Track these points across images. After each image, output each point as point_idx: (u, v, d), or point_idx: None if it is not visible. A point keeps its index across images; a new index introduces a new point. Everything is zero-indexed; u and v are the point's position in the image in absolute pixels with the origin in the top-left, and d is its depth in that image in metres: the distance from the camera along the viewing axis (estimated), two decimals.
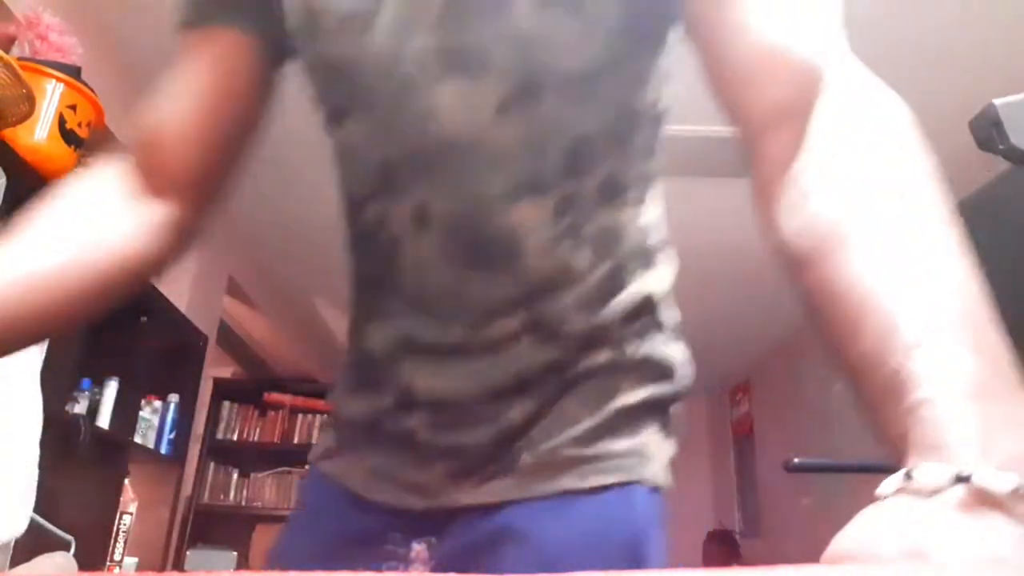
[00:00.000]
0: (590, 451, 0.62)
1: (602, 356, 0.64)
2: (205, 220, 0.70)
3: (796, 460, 1.70)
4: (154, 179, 0.66)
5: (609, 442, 0.63)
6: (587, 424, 0.63)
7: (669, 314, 0.70)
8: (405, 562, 0.83)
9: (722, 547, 4.96)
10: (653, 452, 0.64)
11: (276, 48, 0.70)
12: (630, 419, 0.64)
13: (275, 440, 4.56)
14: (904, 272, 0.39)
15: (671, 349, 0.68)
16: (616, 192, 0.64)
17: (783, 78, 0.51)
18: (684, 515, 5.58)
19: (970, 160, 1.22)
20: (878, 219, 0.42)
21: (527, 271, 0.62)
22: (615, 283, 0.65)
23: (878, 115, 0.48)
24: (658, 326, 0.68)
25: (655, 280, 0.68)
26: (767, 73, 0.52)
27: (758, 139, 0.53)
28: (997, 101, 0.98)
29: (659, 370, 0.66)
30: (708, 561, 4.90)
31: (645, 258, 0.68)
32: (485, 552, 0.63)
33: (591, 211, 0.63)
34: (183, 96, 0.68)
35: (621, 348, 0.65)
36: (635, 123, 0.64)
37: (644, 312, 0.66)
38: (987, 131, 0.99)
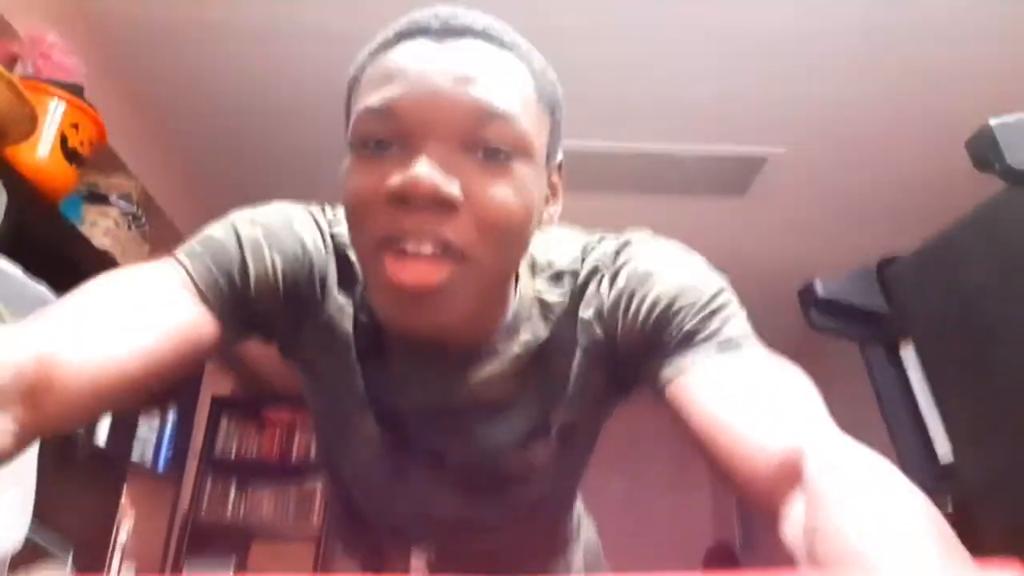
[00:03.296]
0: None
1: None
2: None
3: None
4: (35, 390, 0.50)
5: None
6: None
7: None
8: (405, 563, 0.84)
9: (722, 562, 4.93)
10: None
11: (237, 340, 0.70)
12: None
13: (273, 456, 4.54)
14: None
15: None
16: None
17: (766, 466, 0.52)
18: (683, 529, 5.54)
19: (966, 180, 1.23)
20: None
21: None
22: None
23: (869, 471, 0.47)
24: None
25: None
26: (750, 464, 0.54)
27: (757, 501, 0.55)
28: (993, 121, 0.99)
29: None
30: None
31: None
32: None
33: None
34: (129, 335, 0.57)
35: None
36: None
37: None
38: (983, 151, 0.99)
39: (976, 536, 1.14)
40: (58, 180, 1.87)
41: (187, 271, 0.65)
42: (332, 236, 0.73)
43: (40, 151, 1.82)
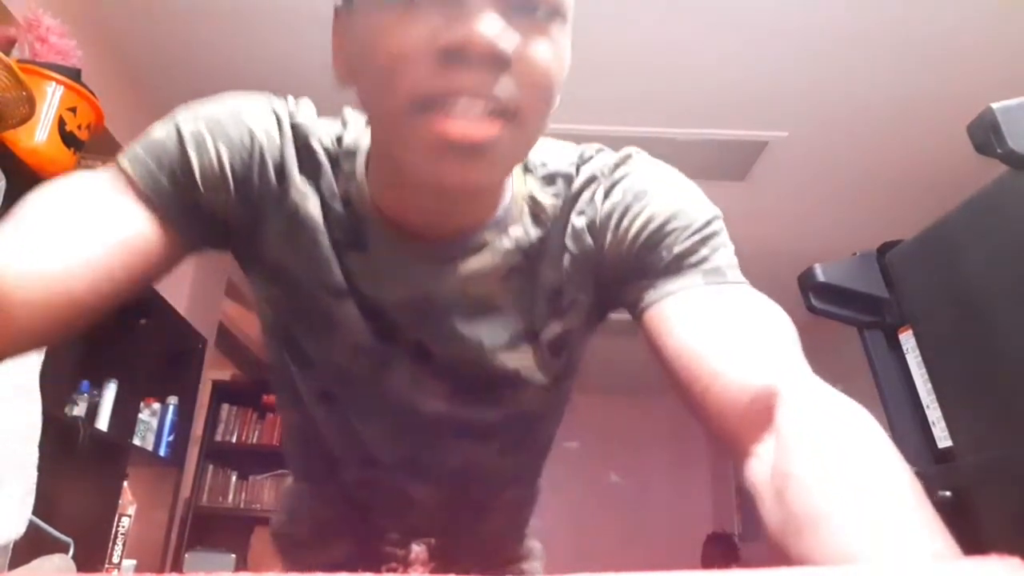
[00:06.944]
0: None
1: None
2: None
3: None
4: None
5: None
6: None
7: None
8: (404, 563, 0.83)
9: (721, 550, 4.96)
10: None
11: (191, 249, 0.67)
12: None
13: (274, 443, 4.55)
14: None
15: None
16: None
17: (738, 402, 0.52)
18: (684, 519, 5.58)
19: (968, 164, 1.22)
20: (858, 506, 0.40)
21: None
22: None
23: (844, 418, 0.47)
24: None
25: None
26: (721, 398, 0.54)
27: (724, 436, 0.54)
28: (995, 105, 0.98)
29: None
30: (707, 564, 4.91)
31: None
32: None
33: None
34: (75, 251, 0.57)
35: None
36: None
37: None
38: (985, 135, 0.99)
39: (973, 520, 1.14)
40: (56, 164, 1.87)
41: (128, 176, 0.62)
42: (293, 126, 0.69)
43: (38, 135, 1.82)
